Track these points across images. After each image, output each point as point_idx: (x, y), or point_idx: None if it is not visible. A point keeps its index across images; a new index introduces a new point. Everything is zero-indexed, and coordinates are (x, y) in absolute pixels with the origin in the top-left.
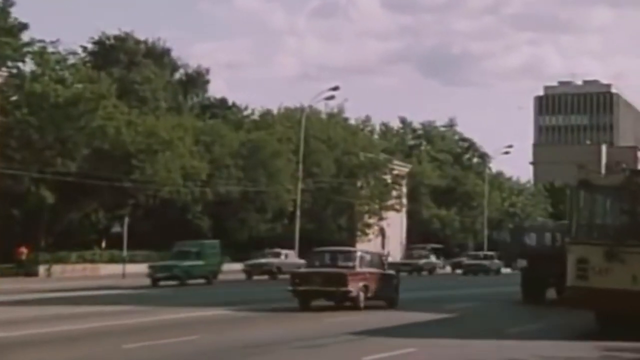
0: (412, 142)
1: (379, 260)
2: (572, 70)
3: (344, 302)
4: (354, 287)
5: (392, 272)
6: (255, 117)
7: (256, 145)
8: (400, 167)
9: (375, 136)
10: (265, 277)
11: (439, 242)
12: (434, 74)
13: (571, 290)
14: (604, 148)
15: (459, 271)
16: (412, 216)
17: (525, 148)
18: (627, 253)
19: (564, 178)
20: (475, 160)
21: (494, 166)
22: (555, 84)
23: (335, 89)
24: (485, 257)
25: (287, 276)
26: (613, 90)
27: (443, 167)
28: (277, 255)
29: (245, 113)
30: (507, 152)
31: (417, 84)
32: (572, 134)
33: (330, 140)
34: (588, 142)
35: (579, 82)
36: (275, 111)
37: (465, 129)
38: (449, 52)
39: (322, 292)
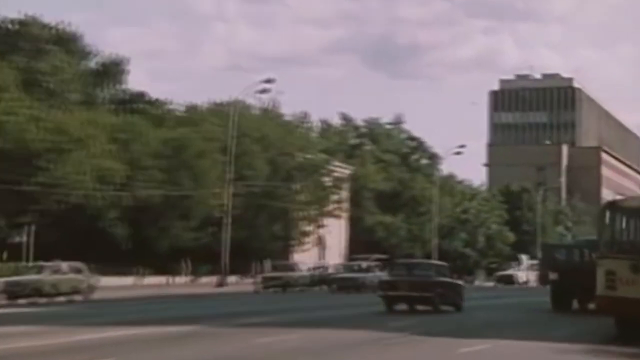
0: (354, 142)
1: (448, 270)
2: (531, 63)
3: (425, 306)
4: (433, 293)
5: (459, 281)
6: (180, 112)
7: (180, 144)
8: (342, 169)
9: (314, 134)
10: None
11: (384, 252)
12: (379, 65)
13: (600, 299)
14: (565, 148)
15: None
16: (354, 223)
17: (478, 148)
18: None
19: (521, 181)
20: (424, 161)
21: (445, 168)
22: (512, 77)
23: (270, 81)
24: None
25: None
26: (575, 84)
27: (389, 169)
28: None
29: (168, 108)
30: (459, 153)
31: (360, 76)
32: (530, 133)
33: (264, 139)
34: (547, 142)
35: (538, 76)
36: (202, 106)
37: (413, 127)
38: (396, 42)
39: (407, 297)
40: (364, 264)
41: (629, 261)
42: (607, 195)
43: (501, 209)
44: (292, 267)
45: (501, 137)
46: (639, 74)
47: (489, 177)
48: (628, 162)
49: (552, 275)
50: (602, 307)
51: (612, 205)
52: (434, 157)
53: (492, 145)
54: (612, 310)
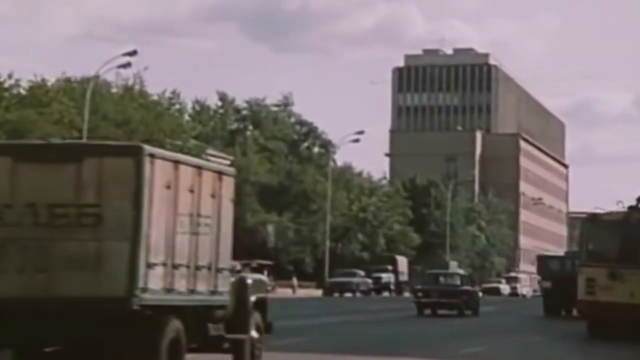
0: (234, 126)
1: (469, 280)
2: (441, 36)
3: (452, 310)
4: (460, 300)
5: (476, 289)
6: (22, 90)
7: (21, 128)
8: (219, 159)
9: (187, 118)
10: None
11: (268, 257)
12: (263, 37)
13: (581, 304)
14: (478, 136)
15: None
16: (233, 223)
17: (380, 135)
18: (626, 274)
19: (428, 173)
20: (316, 150)
21: (341, 158)
22: (418, 52)
23: (132, 54)
24: None
25: None
26: (491, 61)
27: (274, 159)
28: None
29: (6, 84)
30: (356, 140)
31: (241, 50)
32: (440, 118)
33: (126, 123)
34: (459, 128)
35: (449, 51)
36: (50, 83)
37: (303, 109)
38: (282, 9)
39: (438, 303)
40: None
41: (607, 269)
42: (525, 190)
43: (405, 206)
44: None
45: (406, 122)
46: (564, 49)
47: (391, 169)
48: (550, 152)
49: (546, 284)
50: (583, 311)
51: (592, 218)
52: (327, 146)
53: (395, 132)
54: (591, 313)
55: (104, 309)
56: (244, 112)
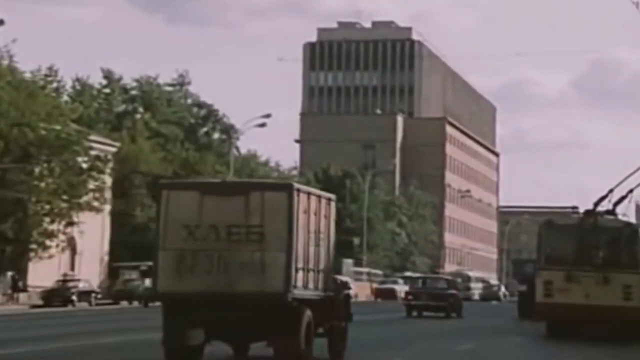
0: (121, 108)
1: (455, 284)
2: (358, 7)
3: (439, 313)
4: (448, 303)
5: (459, 293)
6: None
7: None
8: (104, 146)
9: (65, 98)
10: None
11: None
12: (155, 6)
13: (539, 305)
14: (400, 120)
15: None
16: (120, 220)
17: (289, 119)
18: (582, 276)
19: (344, 163)
20: (216, 136)
21: (244, 145)
22: (333, 25)
23: None
24: None
25: None
26: (414, 36)
27: (168, 145)
28: None
29: None
30: (262, 125)
31: (128, 20)
32: (356, 100)
33: None
34: (378, 111)
35: (367, 25)
36: None
37: (202, 89)
38: None
39: (427, 305)
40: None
41: (564, 272)
42: (452, 181)
43: None
44: None
45: (319, 104)
46: (495, 24)
47: (301, 158)
48: (479, 139)
49: (521, 287)
50: (541, 312)
51: (549, 223)
52: (229, 131)
53: (306, 115)
54: (549, 314)
55: (267, 300)
56: (133, 92)
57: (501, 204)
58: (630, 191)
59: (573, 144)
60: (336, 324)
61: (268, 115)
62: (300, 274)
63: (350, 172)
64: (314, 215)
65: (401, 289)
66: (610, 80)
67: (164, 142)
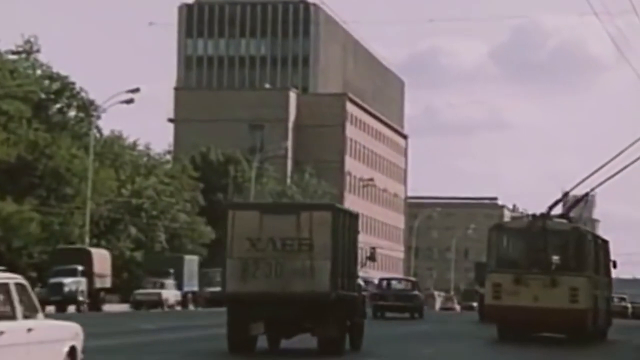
0: None
1: (418, 285)
2: None
3: (403, 313)
4: (413, 304)
5: (420, 294)
6: None
7: None
8: None
9: None
10: None
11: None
12: None
13: (488, 308)
14: (293, 97)
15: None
16: None
17: (162, 94)
18: (530, 279)
19: (226, 146)
20: (72, 114)
21: (107, 124)
22: None
23: None
24: None
25: None
26: None
27: (11, 125)
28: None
29: None
30: (129, 101)
31: None
32: (242, 72)
33: None
34: (268, 85)
35: None
36: None
37: (54, 58)
38: None
39: (395, 306)
40: None
41: (513, 275)
42: (352, 167)
43: (194, 189)
44: None
45: (197, 77)
46: None
47: (176, 140)
48: (385, 119)
49: (482, 290)
50: (489, 315)
51: (499, 227)
52: (89, 108)
53: (182, 90)
54: (497, 317)
55: (315, 299)
56: None
57: (410, 194)
58: (586, 194)
59: (491, 124)
60: (357, 320)
61: (136, 90)
62: (339, 277)
63: (234, 157)
64: (347, 229)
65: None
66: (534, 51)
67: (6, 121)
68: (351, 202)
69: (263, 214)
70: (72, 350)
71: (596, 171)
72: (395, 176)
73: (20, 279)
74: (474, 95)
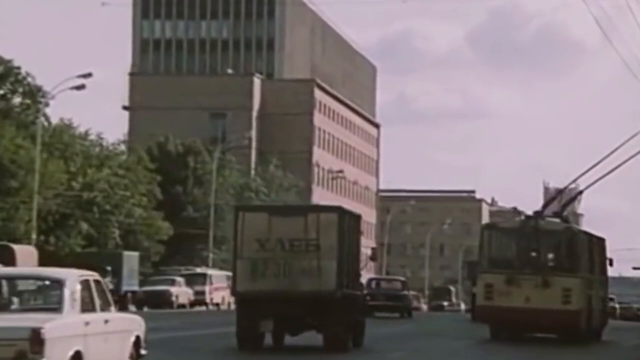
0: None
1: (407, 285)
2: None
3: (396, 312)
4: (405, 303)
5: (409, 294)
6: None
7: None
8: None
9: None
10: None
11: None
12: None
13: (480, 308)
14: (257, 83)
15: None
16: None
17: (115, 80)
18: (522, 279)
19: (185, 136)
20: (18, 100)
21: (56, 112)
22: None
23: None
24: None
25: None
26: None
27: None
28: None
29: None
30: (80, 87)
31: None
32: (202, 56)
33: None
34: (230, 70)
35: None
36: None
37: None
38: None
39: (385, 305)
40: None
41: (504, 275)
42: (321, 158)
43: (151, 182)
44: None
45: (154, 62)
46: None
47: (131, 129)
48: (356, 107)
49: (474, 289)
50: (481, 315)
51: (491, 226)
52: (36, 94)
53: (137, 76)
54: (489, 317)
55: (322, 297)
56: None
57: (382, 187)
58: (580, 193)
59: (469, 112)
60: (360, 318)
61: (88, 75)
62: (345, 277)
63: (193, 147)
64: (351, 230)
65: (181, 291)
66: (514, 34)
67: None
68: (319, 196)
69: (271, 216)
70: (137, 340)
71: (591, 168)
72: (367, 168)
73: (97, 275)
74: (450, 82)
